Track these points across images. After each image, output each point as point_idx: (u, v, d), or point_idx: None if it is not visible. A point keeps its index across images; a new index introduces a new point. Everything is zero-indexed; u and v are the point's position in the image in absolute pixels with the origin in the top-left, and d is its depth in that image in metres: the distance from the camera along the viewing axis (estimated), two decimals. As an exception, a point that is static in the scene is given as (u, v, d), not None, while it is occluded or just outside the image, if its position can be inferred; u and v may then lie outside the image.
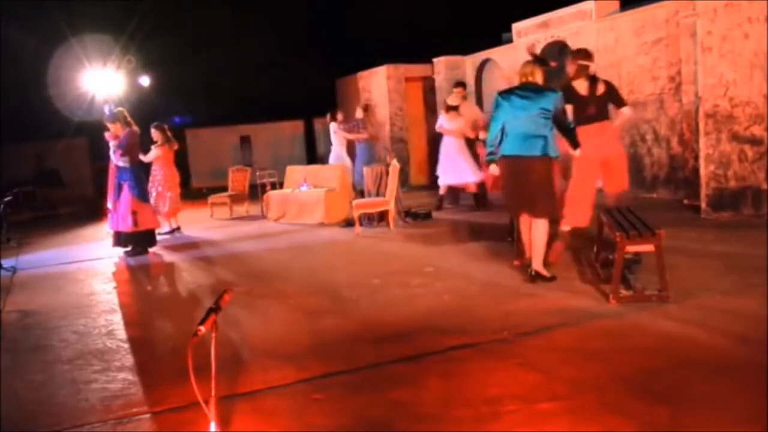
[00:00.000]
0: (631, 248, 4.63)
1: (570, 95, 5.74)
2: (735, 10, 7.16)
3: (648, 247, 4.57)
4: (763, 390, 2.98)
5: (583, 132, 5.61)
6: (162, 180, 9.77)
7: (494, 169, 5.49)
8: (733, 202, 7.30)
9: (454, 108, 10.10)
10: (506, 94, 5.37)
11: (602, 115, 5.81)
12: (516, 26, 12.18)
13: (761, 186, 7.14)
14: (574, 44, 10.83)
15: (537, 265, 5.33)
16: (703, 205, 7.50)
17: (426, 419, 3.04)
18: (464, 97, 10.41)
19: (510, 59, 12.53)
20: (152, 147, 9.72)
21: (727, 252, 5.82)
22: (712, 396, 3.04)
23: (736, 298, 4.49)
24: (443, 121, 10.15)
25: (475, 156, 9.97)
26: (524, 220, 5.45)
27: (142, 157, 9.50)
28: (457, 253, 6.87)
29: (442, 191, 10.30)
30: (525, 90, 5.29)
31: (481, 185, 10.01)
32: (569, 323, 4.24)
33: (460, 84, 10.63)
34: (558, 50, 11.63)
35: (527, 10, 11.77)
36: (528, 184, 5.26)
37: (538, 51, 5.75)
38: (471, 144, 10.09)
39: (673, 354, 3.58)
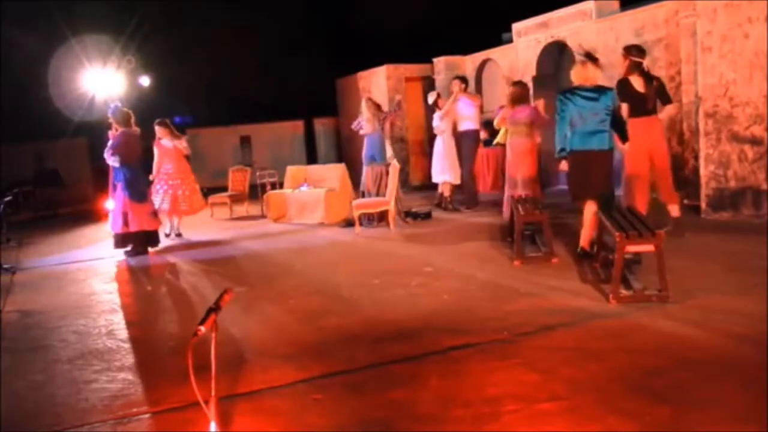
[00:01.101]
0: (631, 248, 4.63)
1: (625, 90, 6.16)
2: (735, 10, 7.16)
3: (648, 247, 4.57)
4: (763, 390, 2.99)
5: (634, 124, 6.12)
6: (185, 176, 9.43)
7: (564, 165, 5.91)
8: (733, 202, 7.30)
9: (432, 105, 10.23)
10: (569, 94, 5.72)
11: (654, 110, 6.23)
12: (516, 26, 12.18)
13: (761, 186, 7.14)
14: (574, 44, 10.83)
15: (585, 243, 5.91)
16: (703, 205, 7.50)
17: (426, 419, 3.04)
18: (462, 91, 9.96)
19: (510, 59, 12.54)
20: (174, 141, 9.35)
21: (727, 252, 5.83)
22: (712, 396, 3.04)
23: (736, 298, 4.49)
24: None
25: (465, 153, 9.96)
26: (589, 206, 5.82)
27: (170, 150, 9.29)
28: (457, 253, 6.88)
29: (439, 189, 10.35)
30: (588, 90, 5.68)
31: (453, 186, 10.07)
32: (569, 323, 4.24)
33: (455, 78, 10.45)
34: (558, 50, 11.65)
35: (527, 10, 11.77)
36: (599, 174, 5.74)
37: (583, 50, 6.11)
38: (471, 141, 10.04)
39: (673, 354, 3.58)
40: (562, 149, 5.82)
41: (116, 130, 8.21)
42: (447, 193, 10.13)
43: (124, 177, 8.06)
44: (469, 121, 9.94)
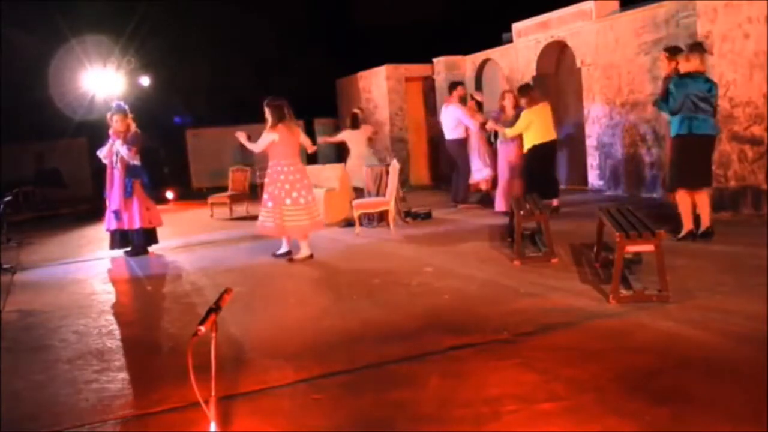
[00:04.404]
0: (631, 248, 4.63)
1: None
2: (735, 10, 7.16)
3: (648, 247, 4.57)
4: (763, 390, 2.99)
5: None
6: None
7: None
8: (733, 202, 7.30)
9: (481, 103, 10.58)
10: (687, 79, 6.09)
11: None
12: (516, 26, 12.18)
13: (761, 186, 7.14)
14: (574, 44, 10.84)
15: (708, 222, 6.26)
16: (703, 205, 7.50)
17: (426, 419, 3.04)
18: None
19: (510, 59, 12.54)
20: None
21: (727, 252, 5.82)
22: (712, 396, 3.04)
23: (736, 298, 4.50)
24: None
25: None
26: (685, 195, 6.21)
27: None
28: (457, 252, 6.88)
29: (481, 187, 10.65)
30: (700, 78, 6.11)
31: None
32: (569, 323, 4.24)
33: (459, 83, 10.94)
34: (559, 50, 11.64)
35: (527, 10, 11.77)
36: (710, 159, 6.27)
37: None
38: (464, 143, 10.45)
39: (673, 354, 3.58)
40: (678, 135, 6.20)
41: (128, 127, 8.14)
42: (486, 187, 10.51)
43: (142, 174, 8.14)
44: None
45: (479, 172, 10.45)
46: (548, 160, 8.67)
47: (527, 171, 8.56)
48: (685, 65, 6.19)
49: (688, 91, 6.06)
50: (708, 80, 6.19)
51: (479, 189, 10.66)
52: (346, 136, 10.58)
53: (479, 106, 10.55)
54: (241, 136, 7.36)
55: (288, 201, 6.85)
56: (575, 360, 3.59)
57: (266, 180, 7.13)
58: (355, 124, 10.58)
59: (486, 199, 10.46)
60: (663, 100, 6.36)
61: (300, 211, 6.89)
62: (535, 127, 8.43)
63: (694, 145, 6.12)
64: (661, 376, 3.30)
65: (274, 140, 6.96)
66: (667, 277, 4.53)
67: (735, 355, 3.53)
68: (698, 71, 6.14)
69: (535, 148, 8.46)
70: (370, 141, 10.88)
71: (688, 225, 6.26)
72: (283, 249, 7.25)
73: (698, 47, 6.29)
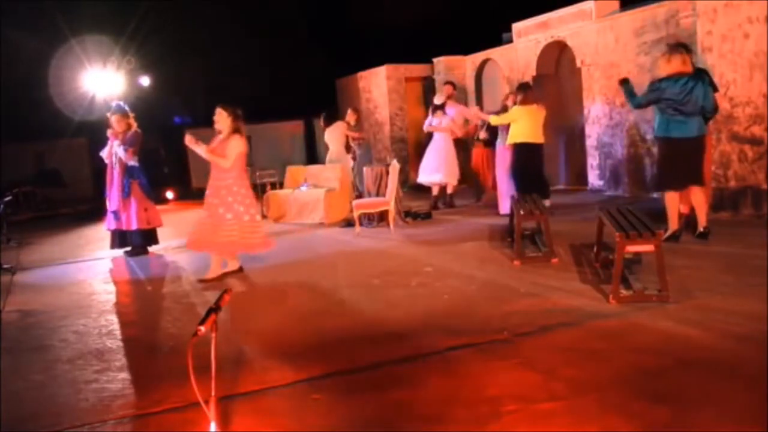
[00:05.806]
0: (631, 248, 4.63)
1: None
2: (735, 10, 7.15)
3: (648, 247, 4.57)
4: (763, 390, 2.99)
5: None
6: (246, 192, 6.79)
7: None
8: (733, 202, 7.30)
9: (440, 107, 10.33)
10: (664, 83, 6.01)
11: None
12: (516, 26, 12.18)
13: (761, 186, 7.13)
14: (574, 44, 10.84)
15: (705, 222, 6.29)
16: (703, 205, 7.50)
17: (426, 419, 3.04)
18: (450, 97, 10.63)
19: (510, 59, 12.54)
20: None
21: (727, 252, 5.82)
22: (712, 396, 3.04)
23: (736, 298, 4.49)
24: (431, 120, 10.41)
25: (465, 154, 10.48)
26: (673, 195, 6.19)
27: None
28: (456, 252, 6.88)
29: (435, 192, 10.37)
30: (679, 80, 5.98)
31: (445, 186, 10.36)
32: (569, 323, 4.24)
33: (448, 82, 11.15)
34: (559, 50, 11.64)
35: (527, 10, 11.77)
36: (699, 159, 6.16)
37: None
38: (463, 143, 10.52)
39: (673, 354, 3.58)
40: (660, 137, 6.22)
41: (129, 127, 8.15)
42: (450, 190, 10.38)
43: (140, 175, 8.13)
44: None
45: (422, 174, 10.35)
46: (533, 162, 8.44)
47: (513, 169, 8.51)
48: (665, 67, 6.10)
49: (665, 96, 6.02)
50: (693, 78, 5.99)
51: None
52: (326, 137, 10.68)
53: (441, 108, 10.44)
54: (193, 143, 6.92)
55: (246, 217, 6.50)
56: (575, 360, 3.59)
57: (242, 193, 6.68)
58: (326, 121, 10.68)
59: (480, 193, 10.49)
60: (632, 95, 6.38)
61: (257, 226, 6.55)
62: (522, 125, 8.29)
63: (674, 148, 6.12)
64: (661, 376, 3.30)
65: (241, 150, 6.66)
66: (667, 277, 4.52)
67: (735, 355, 3.53)
68: (679, 73, 6.01)
69: (520, 146, 8.31)
70: (353, 140, 10.87)
71: (672, 226, 6.24)
72: (231, 266, 6.64)
73: (677, 48, 6.15)
